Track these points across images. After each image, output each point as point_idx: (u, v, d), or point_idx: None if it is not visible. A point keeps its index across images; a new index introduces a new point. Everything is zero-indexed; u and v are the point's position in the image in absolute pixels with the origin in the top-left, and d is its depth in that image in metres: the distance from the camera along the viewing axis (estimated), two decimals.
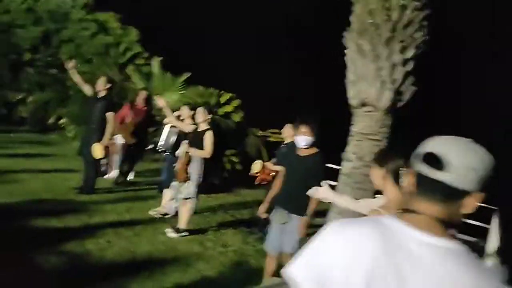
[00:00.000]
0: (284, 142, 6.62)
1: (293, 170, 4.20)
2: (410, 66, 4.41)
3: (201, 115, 6.39)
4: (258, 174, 6.97)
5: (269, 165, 6.86)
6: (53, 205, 6.49)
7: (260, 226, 6.54)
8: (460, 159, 1.21)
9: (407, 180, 1.33)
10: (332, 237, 1.30)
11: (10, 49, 14.38)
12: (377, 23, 4.26)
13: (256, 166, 7.16)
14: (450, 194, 1.23)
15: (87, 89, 7.86)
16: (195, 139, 6.33)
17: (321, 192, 3.27)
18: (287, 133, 6.66)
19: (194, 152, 6.23)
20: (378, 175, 2.56)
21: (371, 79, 4.40)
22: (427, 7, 4.48)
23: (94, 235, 5.52)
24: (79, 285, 4.19)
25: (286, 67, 15.31)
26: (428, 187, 1.26)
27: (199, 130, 6.39)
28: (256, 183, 7.13)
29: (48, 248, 4.89)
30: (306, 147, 4.40)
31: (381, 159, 2.62)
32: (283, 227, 4.56)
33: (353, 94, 4.57)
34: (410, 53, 4.37)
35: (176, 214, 6.48)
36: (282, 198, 4.61)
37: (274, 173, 6.59)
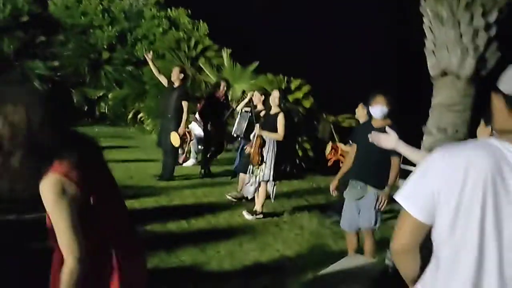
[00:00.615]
0: (362, 122, 6.50)
1: (367, 143, 4.11)
2: (493, 31, 4.10)
3: (276, 98, 6.38)
4: (329, 156, 6.90)
5: (341, 145, 6.78)
6: (135, 191, 6.78)
7: (335, 208, 6.44)
8: None
9: (498, 105, 1.42)
10: (440, 163, 1.39)
11: (89, 49, 15.24)
12: None
13: (328, 148, 7.13)
14: None
15: (162, 79, 8.15)
16: (268, 122, 6.34)
17: (387, 140, 2.99)
18: (361, 113, 6.50)
19: (267, 134, 6.24)
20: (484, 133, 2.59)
21: (451, 46, 4.14)
22: None
23: (175, 217, 5.72)
24: (161, 261, 4.35)
25: (358, 47, 14.93)
26: None
27: (271, 113, 6.39)
28: (329, 164, 7.06)
29: None
30: (381, 118, 4.30)
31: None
32: (358, 203, 4.44)
33: (433, 64, 4.33)
34: (492, 17, 4.06)
35: (253, 198, 6.54)
36: (356, 172, 4.48)
37: (346, 153, 6.49)
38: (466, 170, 1.32)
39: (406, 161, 3.98)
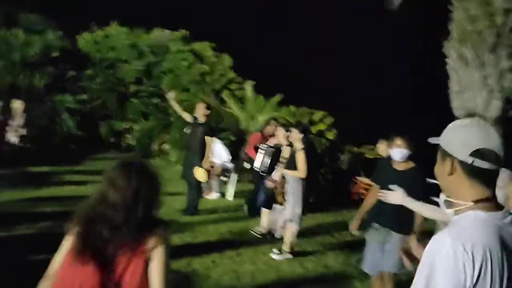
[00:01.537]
0: (383, 157, 6.47)
1: (388, 184, 4.01)
2: None
3: (294, 135, 6.37)
4: (353, 189, 6.85)
5: (364, 179, 6.73)
6: None
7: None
8: None
9: (455, 175, 1.54)
10: (445, 267, 1.37)
11: (116, 83, 15.65)
12: (479, 29, 4.03)
13: (360, 184, 7.05)
14: None
15: (186, 116, 8.28)
16: (289, 160, 6.33)
17: (394, 196, 3.12)
18: (382, 148, 6.49)
19: (289, 173, 6.22)
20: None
21: (477, 88, 4.15)
22: None
23: (199, 255, 5.73)
24: None
25: (382, 82, 14.96)
26: None
27: (292, 150, 6.40)
28: (353, 198, 6.98)
29: None
30: (402, 160, 4.23)
31: None
32: (381, 246, 4.33)
33: (458, 105, 4.34)
34: None
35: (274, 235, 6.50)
36: (379, 215, 4.36)
37: (369, 187, 6.43)
38: (473, 268, 1.36)
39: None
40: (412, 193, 3.59)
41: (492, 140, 1.48)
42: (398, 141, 4.21)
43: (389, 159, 4.38)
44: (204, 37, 16.43)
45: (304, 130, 6.46)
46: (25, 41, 14.61)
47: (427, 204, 2.96)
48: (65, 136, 14.34)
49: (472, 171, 1.48)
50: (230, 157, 10.20)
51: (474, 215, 1.45)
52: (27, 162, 10.44)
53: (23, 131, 9.98)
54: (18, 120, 9.93)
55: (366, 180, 6.71)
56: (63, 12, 17.49)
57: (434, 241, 1.43)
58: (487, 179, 1.49)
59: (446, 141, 1.54)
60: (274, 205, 6.51)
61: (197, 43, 16.66)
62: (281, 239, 6.43)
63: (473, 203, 1.47)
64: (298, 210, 6.09)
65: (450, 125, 1.56)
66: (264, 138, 8.77)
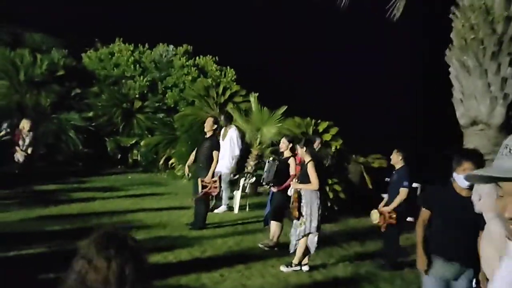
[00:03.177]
0: (396, 168, 6.51)
1: (454, 213, 3.53)
2: None
3: (300, 149, 6.41)
4: (380, 223, 6.67)
5: (385, 209, 6.56)
6: (169, 241, 6.87)
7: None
8: None
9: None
10: None
11: (122, 99, 15.76)
12: (480, 37, 4.07)
13: (374, 216, 6.83)
14: None
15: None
16: (301, 174, 6.34)
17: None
18: (396, 159, 6.51)
19: (302, 187, 6.22)
20: None
21: (480, 96, 4.17)
22: None
23: (208, 269, 5.73)
24: None
25: (385, 90, 15.00)
26: None
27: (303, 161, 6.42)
28: (382, 230, 6.76)
29: (167, 283, 5.17)
30: (469, 187, 3.54)
31: None
32: (447, 282, 3.76)
33: (462, 113, 4.36)
34: None
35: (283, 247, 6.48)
36: (446, 248, 3.72)
37: (394, 214, 6.40)
38: None
39: None
40: (482, 220, 3.18)
41: None
42: (466, 165, 3.54)
43: (448, 183, 3.81)
44: (207, 51, 16.58)
45: (307, 142, 6.47)
46: (31, 61, 14.79)
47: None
48: (72, 153, 14.44)
49: None
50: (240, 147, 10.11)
51: None
52: (35, 181, 10.51)
53: (30, 150, 10.04)
54: (25, 139, 10.00)
55: (387, 208, 6.58)
56: (67, 30, 17.71)
57: None
58: None
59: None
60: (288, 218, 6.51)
61: (200, 58, 16.80)
62: (292, 252, 6.41)
63: None
64: (315, 222, 6.06)
65: None
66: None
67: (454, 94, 4.45)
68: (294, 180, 6.39)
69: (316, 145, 8.71)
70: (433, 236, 3.84)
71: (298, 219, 6.14)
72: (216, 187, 8.10)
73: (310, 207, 6.07)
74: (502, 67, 4.10)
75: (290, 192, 6.66)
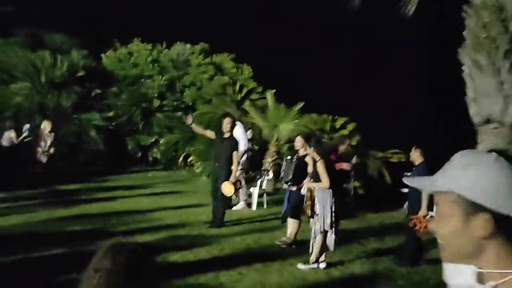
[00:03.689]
0: (415, 165, 6.45)
1: None
2: None
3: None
4: (417, 227, 6.52)
5: (420, 214, 6.35)
6: (187, 240, 6.99)
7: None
8: None
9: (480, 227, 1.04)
10: None
11: (141, 99, 16.01)
12: (493, 36, 4.05)
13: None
14: None
15: (210, 134, 8.46)
16: (313, 172, 6.40)
17: None
18: (415, 156, 6.48)
19: (313, 185, 6.28)
20: None
21: (493, 94, 4.15)
22: None
23: (226, 267, 5.82)
24: None
25: (400, 87, 14.88)
26: None
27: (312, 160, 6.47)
28: (418, 235, 6.64)
29: (185, 282, 5.29)
30: None
31: None
32: None
33: (475, 111, 4.34)
34: None
35: (302, 244, 6.54)
36: None
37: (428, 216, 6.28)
38: None
39: None
40: None
41: None
42: None
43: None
44: (223, 49, 16.68)
45: (315, 141, 6.51)
46: (52, 62, 15.10)
47: None
48: (93, 153, 14.75)
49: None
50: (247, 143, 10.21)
51: None
52: (57, 181, 10.77)
53: (52, 150, 10.31)
54: (46, 139, 10.27)
55: (423, 212, 6.39)
56: (86, 31, 17.99)
57: None
58: None
59: (472, 187, 1.04)
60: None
61: (217, 56, 16.92)
62: (308, 249, 6.47)
63: None
64: (329, 220, 6.10)
65: (457, 161, 1.09)
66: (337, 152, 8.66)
67: (467, 93, 4.44)
68: (307, 178, 6.44)
69: (345, 146, 8.72)
70: None
71: (312, 217, 6.21)
72: (241, 187, 8.24)
73: (323, 206, 6.12)
74: None
75: (303, 191, 6.72)
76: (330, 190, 6.12)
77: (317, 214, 6.12)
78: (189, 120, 8.35)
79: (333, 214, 6.11)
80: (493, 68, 4.12)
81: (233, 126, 8.20)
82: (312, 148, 6.36)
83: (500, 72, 4.11)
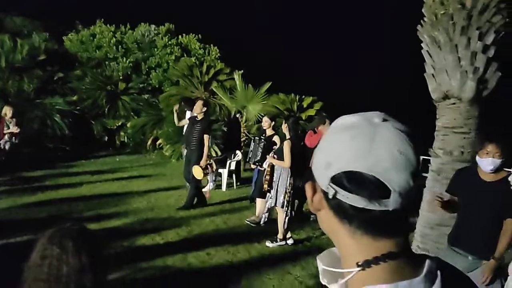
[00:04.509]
0: None
1: (476, 200, 3.26)
2: (491, 52, 4.19)
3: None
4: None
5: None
6: (156, 223, 6.98)
7: None
8: None
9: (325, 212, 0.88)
10: None
11: (106, 81, 15.68)
12: (450, 13, 4.12)
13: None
14: None
15: (184, 122, 8.44)
16: (278, 149, 6.49)
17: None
18: None
19: (275, 162, 6.39)
20: None
21: (450, 70, 4.24)
22: None
23: (195, 248, 5.85)
24: None
25: (367, 66, 15.05)
26: None
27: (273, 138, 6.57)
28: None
29: (153, 264, 5.30)
30: (492, 171, 3.31)
31: None
32: None
33: (434, 88, 4.44)
34: (489, 38, 4.15)
35: (270, 223, 6.64)
36: (463, 238, 3.45)
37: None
38: None
39: None
40: (506, 208, 3.05)
41: (384, 157, 0.78)
42: (490, 148, 3.28)
43: (472, 167, 3.53)
44: (189, 30, 16.45)
45: (290, 120, 6.61)
46: (12, 46, 14.59)
47: None
48: (58, 138, 14.41)
49: (340, 210, 0.83)
50: None
51: None
52: (21, 167, 10.51)
53: (15, 137, 10.01)
54: (9, 125, 9.96)
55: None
56: (47, 13, 17.42)
57: None
58: (373, 224, 0.81)
59: (314, 156, 0.88)
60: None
61: (183, 36, 16.67)
62: (276, 227, 6.57)
63: (359, 268, 0.83)
64: (282, 198, 6.22)
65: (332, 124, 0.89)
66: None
67: (426, 69, 4.53)
68: (271, 154, 6.51)
69: (325, 126, 8.62)
70: (455, 225, 3.62)
71: (268, 192, 6.33)
72: (213, 170, 8.19)
73: (279, 183, 6.25)
74: (471, 42, 4.16)
75: (265, 164, 6.80)
76: (289, 170, 6.22)
77: (273, 189, 6.26)
78: (176, 108, 8.53)
79: (288, 194, 6.21)
80: (450, 45, 4.20)
81: (206, 108, 8.12)
82: (286, 125, 6.46)
83: (457, 48, 4.20)
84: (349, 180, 0.79)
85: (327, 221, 0.88)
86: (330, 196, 0.82)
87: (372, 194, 0.78)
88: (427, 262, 0.84)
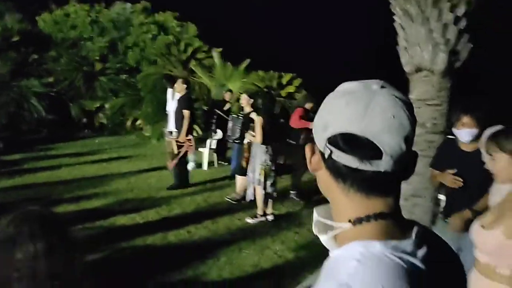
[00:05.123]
0: None
1: (459, 171, 3.33)
2: (463, 24, 4.22)
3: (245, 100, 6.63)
4: None
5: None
6: (136, 203, 6.97)
7: None
8: None
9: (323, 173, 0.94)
10: None
11: (82, 62, 15.37)
12: None
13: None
14: None
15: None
16: (253, 126, 6.51)
17: None
18: None
19: (250, 138, 6.44)
20: (503, 161, 2.28)
21: (422, 43, 4.26)
22: None
23: (175, 227, 5.89)
24: (163, 275, 4.52)
25: (346, 39, 15.03)
26: None
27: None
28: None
29: (133, 244, 5.32)
30: (470, 142, 3.43)
31: (504, 141, 2.30)
32: (459, 241, 3.19)
33: (406, 60, 4.46)
34: (461, 10, 4.18)
35: (253, 200, 6.68)
36: (451, 210, 3.48)
37: None
38: None
39: None
40: (485, 176, 2.96)
41: (378, 120, 0.83)
42: (466, 120, 3.39)
43: (452, 139, 3.62)
44: (166, 7, 16.16)
45: (252, 95, 6.68)
46: None
47: None
48: (36, 121, 14.17)
49: (335, 170, 0.89)
50: None
51: (361, 251, 0.83)
52: None
53: None
54: None
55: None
56: None
57: None
58: (366, 183, 0.87)
59: (315, 119, 0.94)
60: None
61: (160, 14, 16.38)
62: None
63: (350, 224, 0.89)
64: (257, 175, 6.25)
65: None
66: (306, 111, 8.50)
67: (398, 42, 4.54)
68: (249, 131, 6.53)
69: (311, 105, 8.53)
70: (446, 199, 3.67)
71: (247, 167, 6.39)
72: (191, 145, 8.11)
73: (255, 160, 6.30)
74: (443, 13, 4.18)
75: (244, 141, 6.86)
76: (265, 146, 6.24)
77: (251, 166, 6.32)
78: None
79: (265, 171, 6.25)
80: (422, 17, 4.22)
81: (187, 86, 8.04)
82: (250, 100, 6.52)
83: (429, 20, 4.21)
84: (344, 141, 0.85)
85: (324, 180, 0.93)
86: (326, 156, 0.89)
87: (364, 155, 0.83)
88: (416, 227, 0.91)
